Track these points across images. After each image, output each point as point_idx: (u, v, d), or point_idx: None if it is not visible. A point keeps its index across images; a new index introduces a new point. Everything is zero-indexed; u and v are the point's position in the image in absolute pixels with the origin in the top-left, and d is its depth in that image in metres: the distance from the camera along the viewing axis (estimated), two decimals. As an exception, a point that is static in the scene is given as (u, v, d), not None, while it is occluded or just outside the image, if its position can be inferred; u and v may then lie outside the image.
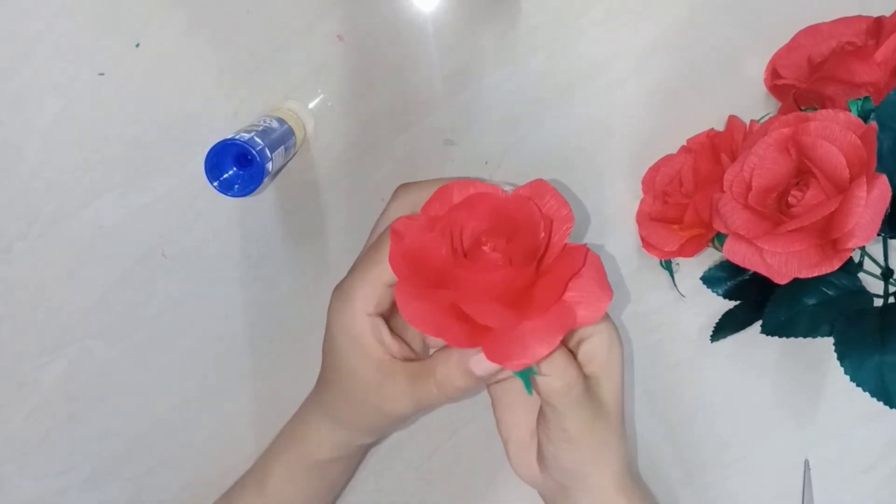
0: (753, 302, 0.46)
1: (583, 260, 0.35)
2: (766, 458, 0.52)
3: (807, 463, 0.52)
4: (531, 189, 0.37)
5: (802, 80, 0.44)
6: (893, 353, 0.40)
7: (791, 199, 0.39)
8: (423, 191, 0.39)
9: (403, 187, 0.41)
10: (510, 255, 0.35)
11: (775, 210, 0.40)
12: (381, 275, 0.37)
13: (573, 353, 0.38)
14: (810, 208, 0.38)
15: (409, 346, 0.41)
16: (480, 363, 0.36)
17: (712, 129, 0.47)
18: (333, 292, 0.40)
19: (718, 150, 0.45)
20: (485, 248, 0.36)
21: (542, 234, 0.35)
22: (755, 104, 0.47)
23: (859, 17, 0.44)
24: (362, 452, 0.50)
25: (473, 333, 0.34)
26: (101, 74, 0.47)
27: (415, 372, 0.39)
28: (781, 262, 0.38)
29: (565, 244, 0.36)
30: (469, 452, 0.53)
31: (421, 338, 0.43)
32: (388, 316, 0.40)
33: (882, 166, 0.37)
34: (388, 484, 0.53)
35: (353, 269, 0.40)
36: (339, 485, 0.49)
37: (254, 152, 0.40)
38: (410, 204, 0.40)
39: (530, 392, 0.36)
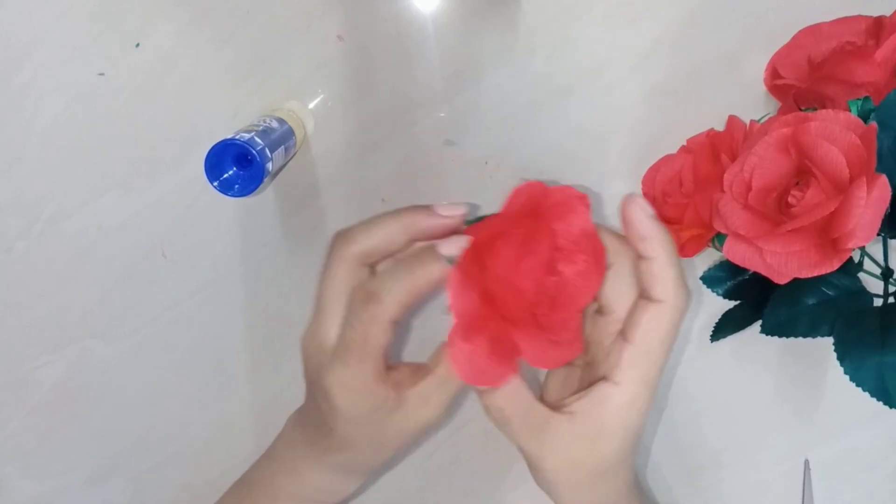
0: (753, 302, 0.46)
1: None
2: (766, 458, 0.52)
3: (807, 463, 0.52)
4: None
5: (802, 80, 0.44)
6: (893, 353, 0.40)
7: (791, 199, 0.39)
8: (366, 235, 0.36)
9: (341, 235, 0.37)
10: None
11: (775, 210, 0.40)
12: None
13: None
14: (810, 208, 0.38)
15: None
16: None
17: (712, 129, 0.47)
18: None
19: (718, 150, 0.45)
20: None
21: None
22: (755, 104, 0.47)
23: (859, 17, 0.44)
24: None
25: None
26: (101, 74, 0.47)
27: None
28: (781, 261, 0.38)
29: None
30: (469, 452, 0.53)
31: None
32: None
33: (882, 166, 0.37)
34: (388, 484, 0.53)
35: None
36: None
37: (254, 152, 0.40)
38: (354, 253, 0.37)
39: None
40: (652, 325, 0.34)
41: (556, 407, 0.36)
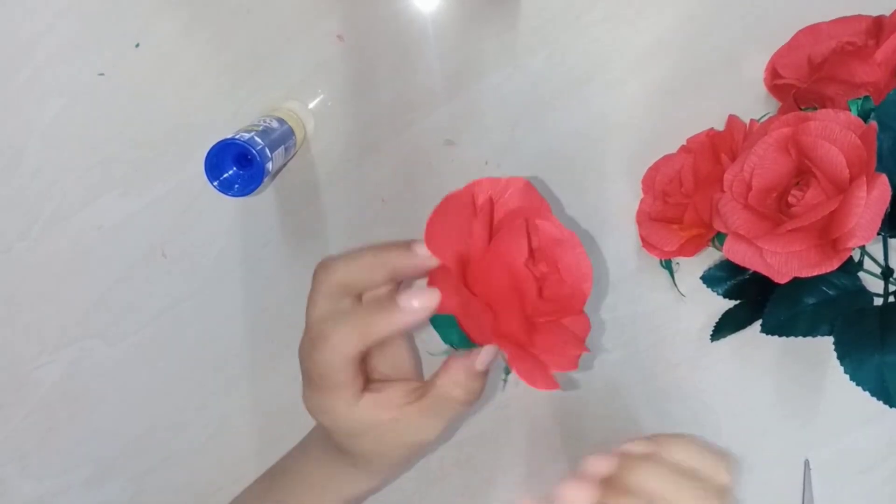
0: (753, 301, 0.46)
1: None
2: (766, 458, 0.52)
3: (807, 463, 0.52)
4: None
5: (802, 79, 0.44)
6: (893, 352, 0.40)
7: (791, 199, 0.39)
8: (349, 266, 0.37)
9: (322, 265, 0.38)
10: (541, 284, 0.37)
11: (775, 210, 0.40)
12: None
13: None
14: (810, 208, 0.38)
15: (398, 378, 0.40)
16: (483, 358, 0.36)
17: (712, 129, 0.47)
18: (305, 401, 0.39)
19: (718, 150, 0.45)
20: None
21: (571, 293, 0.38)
22: (755, 104, 0.47)
23: (859, 16, 0.44)
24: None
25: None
26: (101, 74, 0.47)
27: (424, 398, 0.38)
28: (781, 261, 0.38)
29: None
30: (469, 452, 0.53)
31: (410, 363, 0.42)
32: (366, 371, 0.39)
33: (882, 166, 0.37)
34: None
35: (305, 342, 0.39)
36: None
37: (254, 152, 0.40)
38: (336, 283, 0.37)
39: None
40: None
41: None
